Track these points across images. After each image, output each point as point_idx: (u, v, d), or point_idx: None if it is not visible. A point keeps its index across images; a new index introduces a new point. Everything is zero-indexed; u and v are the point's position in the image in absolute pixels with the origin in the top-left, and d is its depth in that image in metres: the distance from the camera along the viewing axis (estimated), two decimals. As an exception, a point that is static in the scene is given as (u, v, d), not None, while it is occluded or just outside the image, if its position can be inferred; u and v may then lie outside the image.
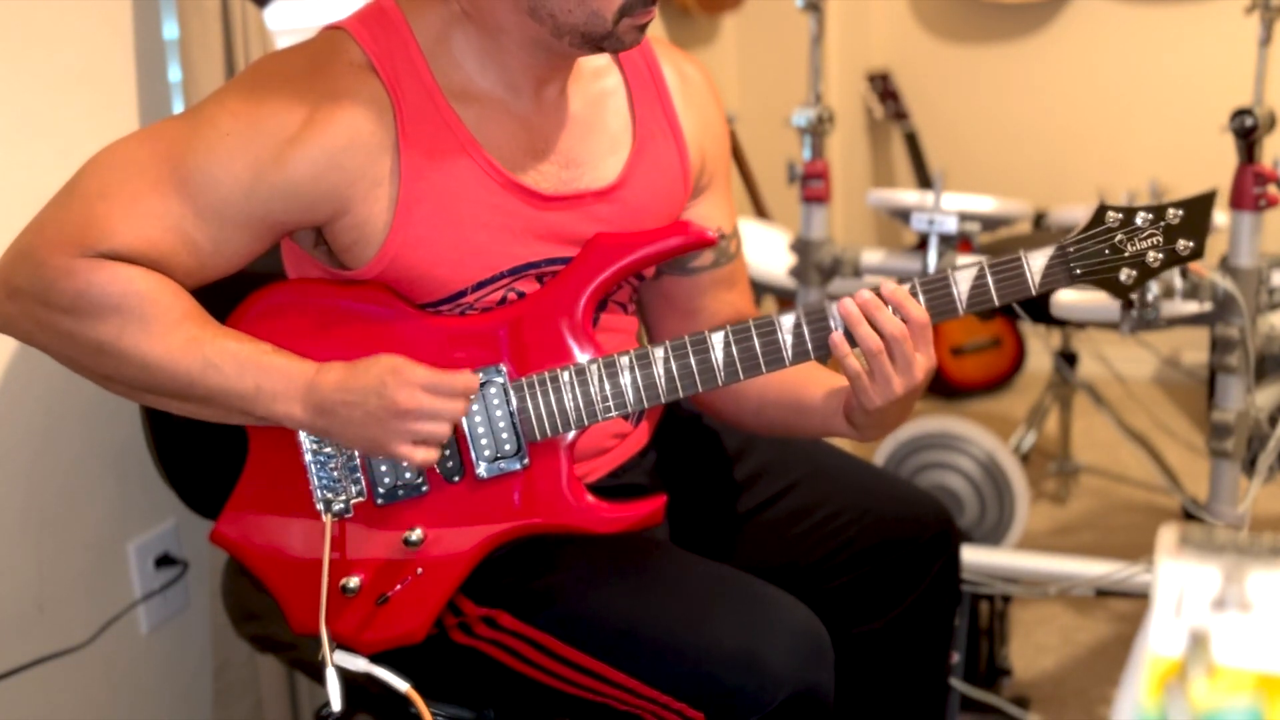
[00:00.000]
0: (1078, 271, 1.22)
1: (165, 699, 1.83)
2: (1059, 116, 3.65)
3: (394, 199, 1.18)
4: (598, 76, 1.31)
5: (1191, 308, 1.81)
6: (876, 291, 1.19)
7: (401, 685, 1.19)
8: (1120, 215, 1.21)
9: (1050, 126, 3.66)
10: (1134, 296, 1.24)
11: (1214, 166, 2.19)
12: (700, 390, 1.23)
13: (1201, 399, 3.29)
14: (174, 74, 1.71)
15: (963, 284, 1.21)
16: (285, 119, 1.15)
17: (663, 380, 1.23)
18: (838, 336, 1.20)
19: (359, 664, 1.21)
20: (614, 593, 1.24)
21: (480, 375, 1.22)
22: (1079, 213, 2.40)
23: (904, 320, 1.18)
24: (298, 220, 1.19)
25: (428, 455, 1.16)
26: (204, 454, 1.36)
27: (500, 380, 1.22)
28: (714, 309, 1.40)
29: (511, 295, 1.25)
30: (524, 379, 1.22)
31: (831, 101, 2.20)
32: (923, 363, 1.19)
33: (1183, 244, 1.22)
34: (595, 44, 1.19)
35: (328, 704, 1.18)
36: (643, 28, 1.19)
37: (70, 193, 1.16)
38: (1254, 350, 1.80)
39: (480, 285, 1.23)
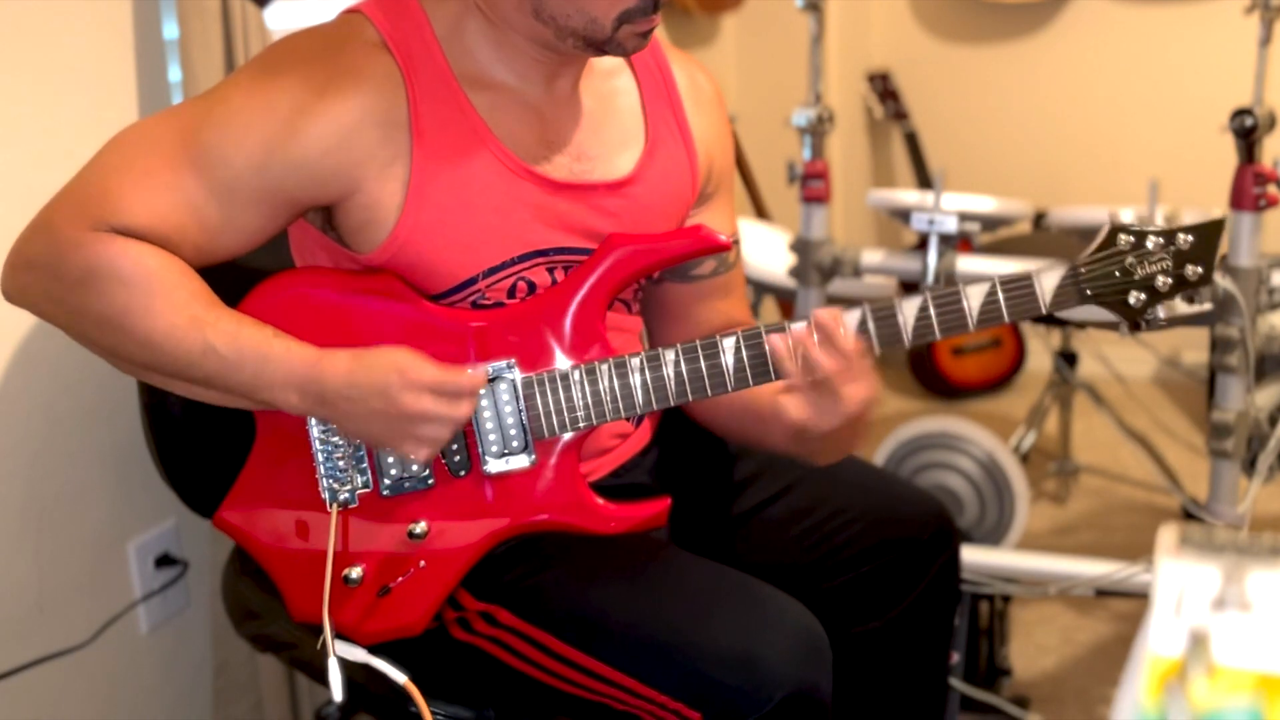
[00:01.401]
0: (1088, 292, 1.22)
1: (165, 699, 1.83)
2: (1059, 116, 3.65)
3: (406, 180, 1.19)
4: (609, 76, 1.32)
5: (1191, 308, 1.81)
6: (816, 323, 1.17)
7: (400, 677, 1.19)
8: (1132, 238, 1.22)
9: (1050, 126, 3.66)
10: (1141, 320, 1.24)
11: (1214, 166, 2.19)
12: (710, 394, 1.24)
13: (1201, 399, 3.29)
14: (174, 74, 1.71)
15: (974, 300, 1.21)
16: (297, 95, 1.15)
17: (672, 383, 1.23)
18: (780, 361, 1.19)
19: (358, 654, 1.21)
20: (613, 592, 1.24)
21: (490, 369, 1.22)
22: (1079, 213, 2.40)
23: (837, 353, 1.16)
24: (310, 198, 1.19)
25: (430, 454, 1.17)
26: (204, 454, 1.36)
27: (511, 376, 1.22)
28: (706, 317, 1.40)
29: (521, 285, 1.25)
30: (534, 375, 1.22)
31: (831, 101, 2.20)
32: (853, 394, 1.17)
33: (1191, 269, 1.23)
34: (597, 48, 1.19)
35: (328, 703, 1.18)
36: (644, 35, 1.20)
37: (89, 169, 1.18)
38: (1254, 350, 1.80)
39: (491, 272, 1.23)
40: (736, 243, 1.44)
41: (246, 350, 1.14)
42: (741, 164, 3.15)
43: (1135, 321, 1.25)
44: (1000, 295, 1.22)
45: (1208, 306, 1.81)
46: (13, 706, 1.58)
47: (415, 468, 1.22)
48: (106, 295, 1.14)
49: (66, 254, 1.14)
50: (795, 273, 2.11)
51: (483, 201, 1.21)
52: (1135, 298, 1.23)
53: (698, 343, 1.23)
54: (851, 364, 1.17)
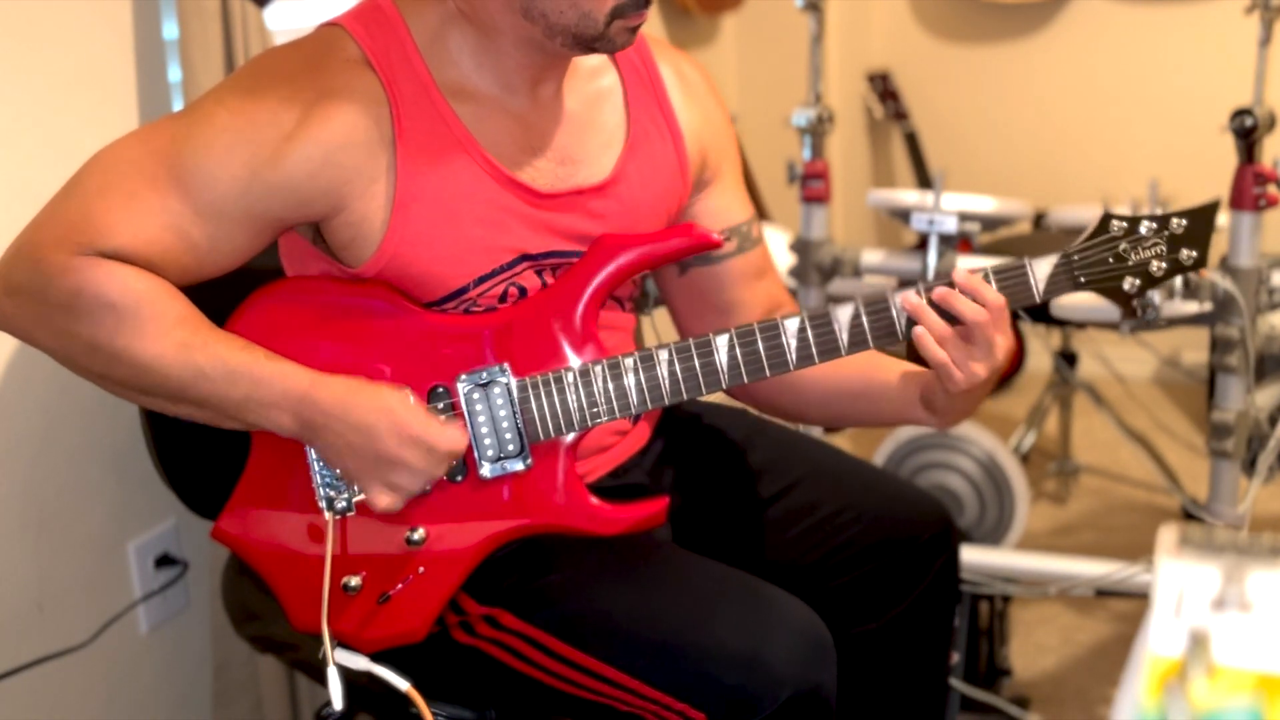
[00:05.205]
0: (1081, 279, 1.22)
1: (165, 699, 1.83)
2: (1059, 116, 3.65)
3: (390, 196, 1.18)
4: (594, 76, 1.32)
5: (1191, 308, 1.81)
6: (949, 283, 1.20)
7: (402, 684, 1.19)
8: (1125, 224, 1.22)
9: (1050, 126, 3.66)
10: (1136, 305, 1.24)
11: (1214, 166, 2.19)
12: (704, 393, 1.23)
13: (1201, 399, 3.29)
14: (174, 74, 1.71)
15: None
16: (282, 116, 1.15)
17: (666, 382, 1.23)
18: (920, 329, 1.20)
19: (360, 662, 1.21)
20: (616, 593, 1.24)
21: (484, 374, 1.22)
22: (1079, 213, 2.40)
23: (982, 306, 1.19)
24: (295, 217, 1.19)
25: (392, 503, 1.17)
26: (204, 454, 1.36)
27: (504, 380, 1.22)
28: (749, 300, 1.40)
29: (513, 290, 1.25)
30: (528, 379, 1.22)
31: (831, 101, 2.20)
32: (1002, 344, 1.20)
33: (1186, 253, 1.22)
34: (587, 45, 1.19)
35: (329, 703, 1.18)
36: (634, 29, 1.20)
37: (69, 191, 1.16)
38: (1254, 350, 1.80)
39: (481, 280, 1.23)
40: (755, 220, 1.43)
41: (238, 372, 1.14)
42: (742, 164, 3.15)
43: (1130, 308, 1.24)
44: (994, 284, 1.22)
45: (1208, 306, 1.81)
46: (13, 706, 1.58)
47: (378, 509, 1.19)
48: (94, 321, 1.13)
49: (52, 280, 1.13)
50: (795, 273, 2.11)
51: (469, 213, 1.21)
52: (1130, 283, 1.23)
53: (691, 341, 1.23)
54: (998, 315, 1.19)
